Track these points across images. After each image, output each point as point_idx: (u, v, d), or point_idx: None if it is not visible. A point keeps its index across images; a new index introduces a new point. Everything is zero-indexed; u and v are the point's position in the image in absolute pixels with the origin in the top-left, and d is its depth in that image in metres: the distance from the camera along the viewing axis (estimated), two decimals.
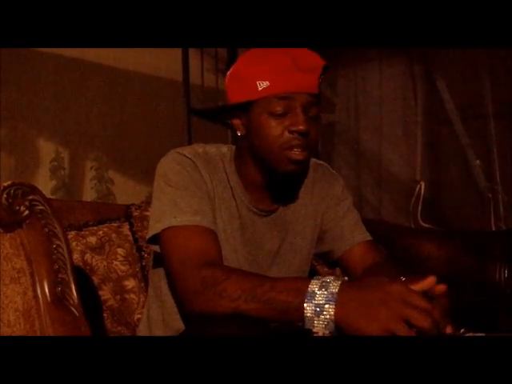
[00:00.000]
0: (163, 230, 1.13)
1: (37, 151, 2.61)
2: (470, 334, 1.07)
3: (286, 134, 1.15)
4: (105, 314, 1.50)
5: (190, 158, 1.20)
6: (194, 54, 2.95)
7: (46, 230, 1.15)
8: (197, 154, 1.23)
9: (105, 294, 1.51)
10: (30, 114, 2.57)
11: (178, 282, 1.09)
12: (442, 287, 0.98)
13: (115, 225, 1.64)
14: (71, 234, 1.52)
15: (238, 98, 1.19)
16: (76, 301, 1.14)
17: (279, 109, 1.15)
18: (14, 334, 1.11)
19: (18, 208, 1.13)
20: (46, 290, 1.12)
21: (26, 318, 1.12)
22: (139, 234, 1.63)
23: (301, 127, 1.14)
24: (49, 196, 1.25)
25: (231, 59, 3.10)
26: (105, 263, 1.54)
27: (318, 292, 0.91)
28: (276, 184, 1.25)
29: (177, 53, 2.82)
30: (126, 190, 2.91)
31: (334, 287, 0.91)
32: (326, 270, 1.92)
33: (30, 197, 1.15)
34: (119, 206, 1.80)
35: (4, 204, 1.12)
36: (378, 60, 3.17)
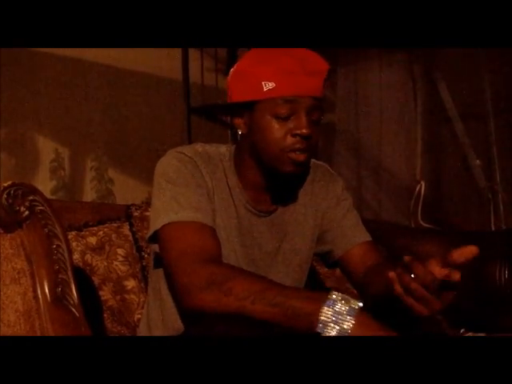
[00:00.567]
0: (163, 226, 1.13)
1: (37, 151, 2.60)
2: (470, 334, 1.07)
3: (289, 136, 1.15)
4: (105, 315, 1.50)
5: (190, 157, 1.20)
6: (193, 54, 2.95)
7: (46, 230, 1.15)
8: (197, 152, 1.22)
9: (105, 294, 1.51)
10: (29, 115, 2.57)
11: (178, 276, 1.08)
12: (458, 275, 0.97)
13: (115, 225, 1.64)
14: (71, 235, 1.52)
15: (242, 96, 1.19)
16: (76, 301, 1.14)
17: (284, 111, 1.14)
18: (14, 335, 1.11)
19: (18, 208, 1.13)
20: (46, 290, 1.12)
21: (27, 318, 1.12)
22: (139, 234, 1.63)
23: (304, 131, 1.14)
24: (49, 196, 1.25)
25: (231, 59, 3.09)
26: (105, 263, 1.54)
27: (339, 302, 0.94)
28: (275, 184, 1.25)
29: (177, 52, 2.82)
30: (126, 190, 2.90)
31: (355, 304, 0.94)
32: (325, 270, 1.92)
33: (30, 197, 1.15)
34: (119, 206, 1.80)
35: (4, 204, 1.12)
36: (378, 60, 3.17)
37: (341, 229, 1.36)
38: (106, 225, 1.62)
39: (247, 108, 1.19)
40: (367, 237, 1.37)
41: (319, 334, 0.93)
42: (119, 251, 1.59)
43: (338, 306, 0.94)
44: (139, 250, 1.61)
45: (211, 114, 3.00)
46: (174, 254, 1.10)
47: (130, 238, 1.63)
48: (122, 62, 2.88)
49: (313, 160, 1.36)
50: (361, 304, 0.94)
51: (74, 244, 1.51)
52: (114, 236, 1.60)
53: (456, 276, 0.95)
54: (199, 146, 1.26)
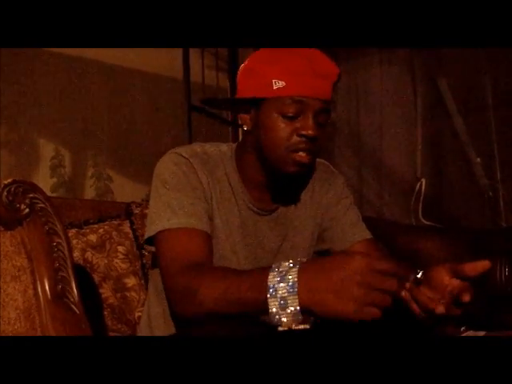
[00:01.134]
0: (158, 233, 1.15)
1: (37, 149, 2.61)
2: (471, 333, 1.07)
3: (295, 136, 1.15)
4: (105, 312, 1.50)
5: (186, 158, 1.20)
6: (194, 52, 2.94)
7: (47, 227, 1.15)
8: (194, 153, 1.22)
9: (105, 291, 1.51)
10: (30, 113, 2.57)
11: (167, 283, 1.12)
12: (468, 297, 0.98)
13: (116, 223, 1.64)
14: (72, 232, 1.52)
15: (251, 93, 1.18)
16: (76, 299, 1.14)
17: (291, 111, 1.14)
18: (14, 332, 1.11)
19: (18, 206, 1.13)
20: (47, 287, 1.12)
21: (27, 315, 1.12)
22: (140, 231, 1.63)
23: (310, 132, 1.14)
24: (49, 194, 1.25)
25: (232, 57, 3.09)
26: (105, 261, 1.54)
27: (279, 285, 0.89)
28: (277, 183, 1.25)
29: (177, 51, 2.82)
30: (125, 188, 2.91)
31: (293, 276, 0.88)
32: None
33: (31, 195, 1.15)
34: (120, 203, 1.80)
35: (4, 202, 1.12)
36: (379, 57, 3.17)
37: (341, 226, 1.36)
38: (107, 222, 1.62)
39: (254, 104, 1.19)
40: (368, 234, 1.37)
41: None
42: (120, 249, 1.59)
43: (279, 292, 0.89)
44: (139, 247, 1.61)
45: (212, 113, 2.99)
46: (163, 261, 1.13)
47: (131, 235, 1.63)
48: (122, 61, 2.88)
49: None
50: (297, 268, 0.89)
51: (74, 241, 1.51)
52: (114, 233, 1.60)
53: (466, 298, 0.96)
54: (198, 146, 1.25)
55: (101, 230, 1.58)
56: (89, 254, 1.52)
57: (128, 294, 1.54)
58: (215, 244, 1.20)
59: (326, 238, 1.37)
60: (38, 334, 1.10)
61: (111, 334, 1.49)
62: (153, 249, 1.20)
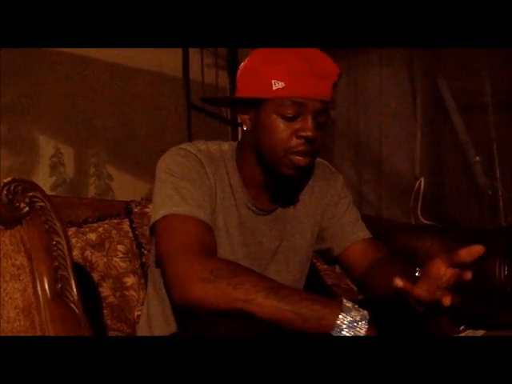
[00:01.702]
0: (164, 217, 1.12)
1: (36, 148, 2.61)
2: (470, 332, 1.07)
3: (294, 138, 1.15)
4: (105, 311, 1.50)
5: (194, 154, 1.20)
6: (194, 51, 2.94)
7: (46, 226, 1.15)
8: (200, 150, 1.22)
9: (105, 290, 1.51)
10: (29, 111, 2.56)
11: (174, 267, 1.06)
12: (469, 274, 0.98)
13: (115, 221, 1.64)
14: (71, 231, 1.52)
15: (250, 93, 1.18)
16: (76, 297, 1.14)
17: (290, 112, 1.13)
18: (13, 331, 1.11)
19: (18, 204, 1.13)
20: (46, 286, 1.12)
21: (26, 314, 1.12)
22: (139, 230, 1.63)
23: (309, 133, 1.13)
24: (48, 192, 1.25)
25: (231, 56, 3.09)
26: (105, 260, 1.54)
27: (354, 310, 0.97)
28: (276, 184, 1.25)
29: (177, 50, 2.81)
30: (124, 186, 2.91)
31: (366, 313, 0.97)
32: (325, 266, 1.92)
33: (30, 193, 1.15)
34: (119, 202, 1.80)
35: (4, 200, 1.12)
36: (378, 56, 3.16)
37: (340, 226, 1.36)
38: (106, 221, 1.62)
39: (254, 105, 1.18)
40: (367, 234, 1.37)
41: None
42: (119, 247, 1.59)
43: (353, 314, 0.96)
44: (139, 246, 1.61)
45: (211, 112, 2.99)
46: (172, 245, 1.09)
47: (130, 234, 1.63)
48: (122, 59, 2.88)
49: None
50: (367, 314, 0.97)
51: (73, 240, 1.50)
52: (113, 232, 1.60)
53: (468, 275, 0.96)
54: (201, 144, 1.25)
55: (100, 229, 1.58)
56: (88, 253, 1.52)
57: (127, 293, 1.54)
58: None
59: (326, 237, 1.37)
60: (38, 332, 1.10)
61: (110, 333, 1.49)
62: (153, 247, 1.19)
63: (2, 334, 1.12)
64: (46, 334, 1.10)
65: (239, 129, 3.03)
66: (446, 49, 2.78)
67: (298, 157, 1.15)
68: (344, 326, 0.95)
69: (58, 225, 1.16)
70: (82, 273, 1.48)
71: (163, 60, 2.97)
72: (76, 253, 1.49)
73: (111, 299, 1.51)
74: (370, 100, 3.22)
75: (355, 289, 1.48)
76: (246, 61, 1.21)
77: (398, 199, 3.12)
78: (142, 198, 1.78)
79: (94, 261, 1.52)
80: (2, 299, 1.13)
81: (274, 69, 1.13)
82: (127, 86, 2.93)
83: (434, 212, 2.95)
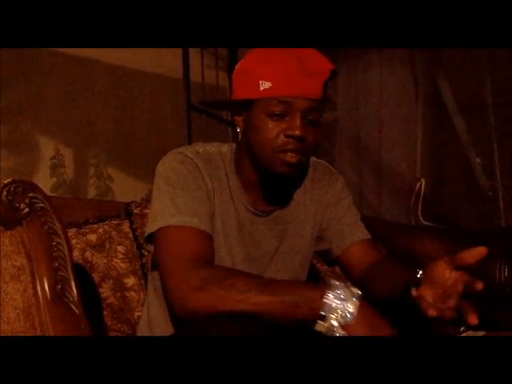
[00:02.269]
0: (159, 229, 1.14)
1: (37, 149, 2.61)
2: (470, 333, 1.07)
3: (282, 137, 1.14)
4: (105, 312, 1.50)
5: (191, 158, 1.20)
6: (194, 52, 2.94)
7: (46, 227, 1.15)
8: (198, 153, 1.22)
9: (105, 291, 1.51)
10: (30, 112, 2.57)
11: (169, 279, 1.09)
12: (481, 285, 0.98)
13: (115, 222, 1.64)
14: (71, 232, 1.52)
15: (241, 94, 1.19)
16: (76, 298, 1.14)
17: (277, 110, 1.14)
18: (13, 332, 1.11)
19: (18, 205, 1.13)
20: (46, 287, 1.12)
21: (26, 315, 1.12)
22: (139, 231, 1.63)
23: (297, 132, 1.13)
24: (49, 193, 1.25)
25: (232, 56, 3.09)
26: (105, 261, 1.54)
27: (341, 288, 0.98)
28: (272, 184, 1.25)
29: (177, 50, 2.82)
30: (124, 187, 2.91)
31: (355, 289, 0.98)
32: (325, 267, 1.92)
33: (30, 194, 1.15)
34: (119, 203, 1.80)
35: (4, 201, 1.12)
36: (379, 56, 3.17)
37: (340, 226, 1.36)
38: (106, 222, 1.62)
39: (246, 106, 1.19)
40: (366, 235, 1.37)
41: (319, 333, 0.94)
42: (119, 248, 1.59)
43: (340, 291, 0.97)
44: (139, 247, 1.61)
45: (211, 113, 2.99)
46: (167, 257, 1.11)
47: (130, 235, 1.63)
48: (122, 60, 2.88)
49: (313, 158, 1.36)
50: (359, 291, 0.98)
51: (73, 241, 1.50)
52: (114, 233, 1.60)
53: (479, 286, 0.96)
54: (200, 147, 1.25)
55: (100, 230, 1.58)
56: (88, 254, 1.52)
57: (127, 294, 1.54)
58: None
59: (326, 238, 1.37)
60: (38, 333, 1.10)
61: (111, 333, 1.49)
62: (152, 249, 1.19)
63: (2, 335, 1.12)
64: (46, 335, 1.10)
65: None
66: (447, 49, 2.78)
67: (286, 154, 1.15)
68: (333, 305, 0.95)
69: (58, 226, 1.16)
70: (82, 274, 1.47)
71: (163, 61, 2.98)
72: (76, 254, 1.49)
73: (111, 300, 1.51)
74: (371, 100, 3.22)
75: None
76: (238, 63, 1.22)
77: (398, 200, 3.13)
78: (142, 199, 1.77)
79: (94, 262, 1.52)
80: (1, 300, 1.13)
81: (262, 69, 1.14)
82: (127, 87, 2.94)
83: (434, 213, 2.95)
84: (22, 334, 1.11)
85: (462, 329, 1.08)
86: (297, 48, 1.16)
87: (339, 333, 0.93)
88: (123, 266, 1.57)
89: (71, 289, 1.14)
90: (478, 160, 2.86)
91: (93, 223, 1.60)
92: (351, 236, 1.35)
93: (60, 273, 1.14)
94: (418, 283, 1.07)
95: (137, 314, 1.53)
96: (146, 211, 1.65)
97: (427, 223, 2.89)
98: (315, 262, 1.82)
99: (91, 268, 1.51)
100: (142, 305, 1.50)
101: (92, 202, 2.04)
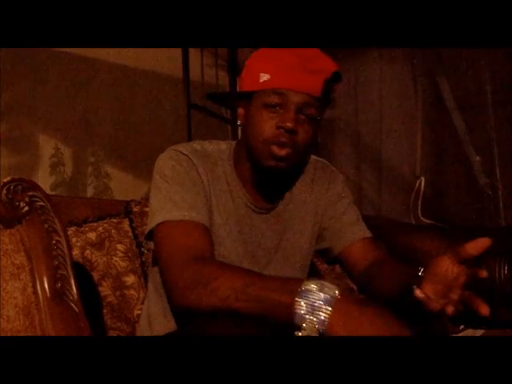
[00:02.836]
0: (158, 225, 1.15)
1: (36, 147, 2.61)
2: (469, 331, 1.07)
3: (273, 129, 1.15)
4: (104, 310, 1.50)
5: (186, 155, 1.21)
6: (194, 51, 2.94)
7: (46, 225, 1.15)
8: (194, 150, 1.23)
9: (104, 289, 1.51)
10: (29, 111, 2.56)
11: (166, 275, 1.11)
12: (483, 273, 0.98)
13: (115, 221, 1.64)
14: (71, 230, 1.52)
15: (243, 87, 1.21)
16: (76, 297, 1.14)
17: (273, 101, 1.15)
18: (13, 330, 1.11)
19: (17, 204, 1.13)
20: (46, 285, 1.12)
21: (26, 313, 1.12)
22: (139, 229, 1.63)
23: (288, 124, 1.13)
24: (48, 192, 1.25)
25: (231, 56, 3.09)
26: (104, 259, 1.54)
27: (313, 293, 0.92)
28: (266, 180, 1.24)
29: (177, 49, 2.82)
30: (124, 186, 2.91)
31: (331, 291, 0.92)
32: (325, 266, 1.92)
33: (30, 193, 1.15)
34: (119, 201, 1.80)
35: (4, 200, 1.12)
36: (379, 55, 3.17)
37: (340, 225, 1.36)
38: (106, 220, 1.62)
39: (247, 99, 1.20)
40: (367, 233, 1.37)
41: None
42: (119, 247, 1.59)
43: (312, 297, 0.92)
44: (139, 245, 1.61)
45: (211, 111, 3.00)
46: (164, 253, 1.12)
47: (130, 233, 1.63)
48: (122, 59, 2.88)
49: (313, 156, 1.36)
50: (337, 291, 0.92)
51: (73, 240, 1.50)
52: (113, 232, 1.60)
53: (483, 273, 0.96)
54: (197, 144, 1.26)
55: (100, 228, 1.58)
56: (88, 252, 1.52)
57: (127, 292, 1.54)
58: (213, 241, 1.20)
59: (326, 236, 1.37)
60: (37, 332, 1.10)
61: (110, 332, 1.49)
62: (153, 246, 1.20)
63: (2, 333, 1.12)
64: (46, 334, 1.10)
65: (239, 128, 3.03)
66: (447, 48, 2.78)
67: (276, 147, 1.15)
68: (304, 313, 0.91)
69: (57, 224, 1.16)
70: (82, 272, 1.47)
71: (163, 60, 2.97)
72: (76, 252, 1.49)
73: (111, 298, 1.51)
74: (371, 99, 3.22)
75: (355, 288, 1.48)
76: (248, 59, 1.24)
77: (399, 198, 3.13)
78: (141, 198, 1.77)
79: (93, 260, 1.52)
80: (1, 298, 1.13)
81: (264, 63, 1.16)
82: (127, 85, 2.93)
83: (434, 211, 2.95)
84: (21, 333, 1.11)
85: (461, 327, 1.08)
86: (303, 48, 1.16)
87: (318, 334, 0.91)
88: (123, 264, 1.57)
89: (71, 287, 1.14)
90: (477, 158, 2.86)
91: (92, 222, 1.60)
92: (351, 234, 1.35)
93: (60, 271, 1.14)
94: (419, 281, 1.06)
95: (136, 312, 1.53)
96: (146, 210, 1.65)
97: (427, 221, 2.90)
98: (315, 260, 1.82)
99: (91, 266, 1.51)
100: (142, 303, 1.50)
101: (92, 200, 2.04)
